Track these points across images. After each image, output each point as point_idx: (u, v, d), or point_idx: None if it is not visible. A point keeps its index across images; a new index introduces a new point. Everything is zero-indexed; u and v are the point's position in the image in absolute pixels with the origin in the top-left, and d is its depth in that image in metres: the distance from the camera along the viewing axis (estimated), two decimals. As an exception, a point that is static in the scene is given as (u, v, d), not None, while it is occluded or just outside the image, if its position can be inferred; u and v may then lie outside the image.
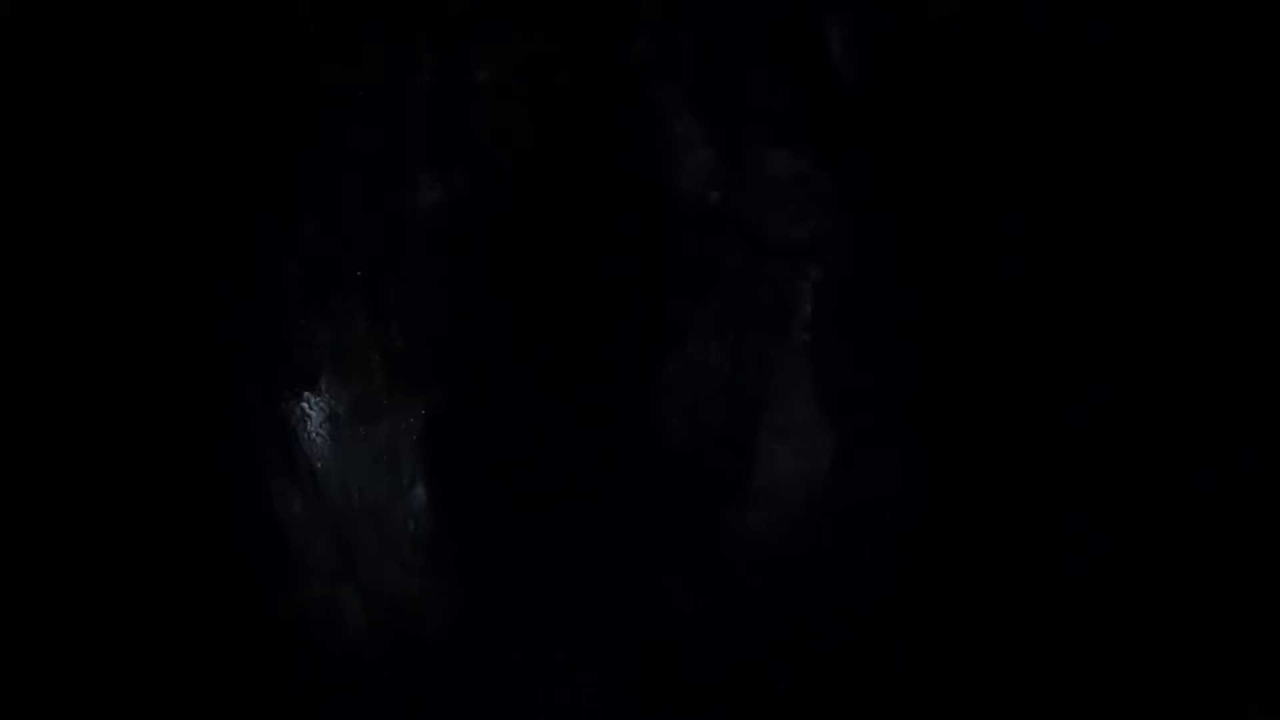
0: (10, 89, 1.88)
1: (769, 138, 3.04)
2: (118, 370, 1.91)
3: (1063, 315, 2.33)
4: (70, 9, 1.99)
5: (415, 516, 2.06)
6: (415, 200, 2.70)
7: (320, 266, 2.17)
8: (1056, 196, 2.26)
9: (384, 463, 1.98)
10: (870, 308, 2.59)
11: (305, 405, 2.02)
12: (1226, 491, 1.99)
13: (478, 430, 2.34)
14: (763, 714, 2.12)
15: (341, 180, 2.26)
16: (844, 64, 2.77)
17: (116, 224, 1.93)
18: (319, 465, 1.94)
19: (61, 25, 1.98)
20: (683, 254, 2.71)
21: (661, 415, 2.46)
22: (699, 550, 2.20)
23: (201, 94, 2.00)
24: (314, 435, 1.97)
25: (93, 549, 1.92)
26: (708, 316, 2.76)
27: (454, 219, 2.78)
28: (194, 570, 2.00)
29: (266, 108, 2.13)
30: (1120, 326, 2.21)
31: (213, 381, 2.04)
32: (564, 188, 2.90)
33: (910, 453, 2.28)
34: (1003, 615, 2.15)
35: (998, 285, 2.43)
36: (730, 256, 2.96)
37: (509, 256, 2.76)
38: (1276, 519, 1.88)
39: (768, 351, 2.57)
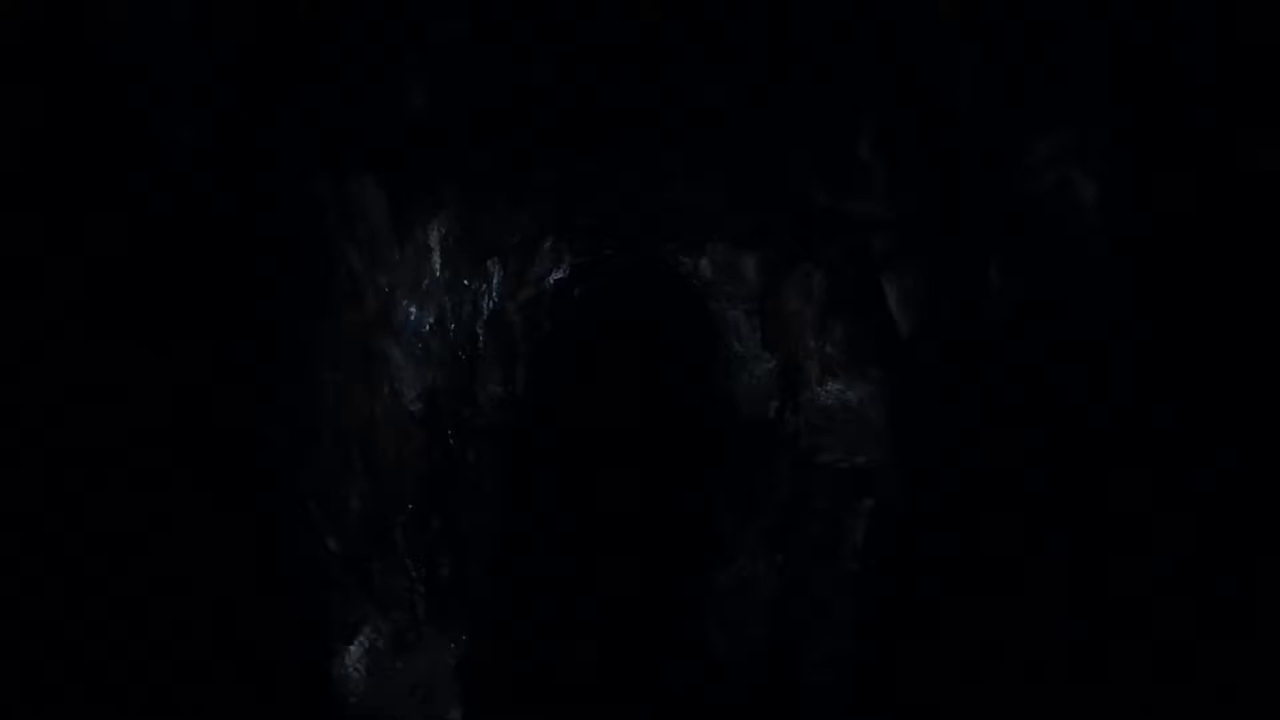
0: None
1: (824, 369, 3.13)
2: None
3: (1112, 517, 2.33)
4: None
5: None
6: (478, 404, 2.85)
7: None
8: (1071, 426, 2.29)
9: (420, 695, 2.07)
10: (920, 541, 2.63)
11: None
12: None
13: (524, 641, 2.45)
14: None
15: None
16: (900, 315, 2.86)
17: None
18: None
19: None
20: (736, 470, 2.81)
21: (706, 628, 2.53)
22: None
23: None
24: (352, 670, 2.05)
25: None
26: (756, 535, 2.84)
27: (515, 425, 2.93)
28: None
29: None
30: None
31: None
32: (622, 395, 3.03)
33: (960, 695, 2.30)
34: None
35: (1036, 526, 2.43)
36: (781, 479, 3.04)
37: (564, 465, 2.91)
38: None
39: (813, 576, 2.65)
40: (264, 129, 2.31)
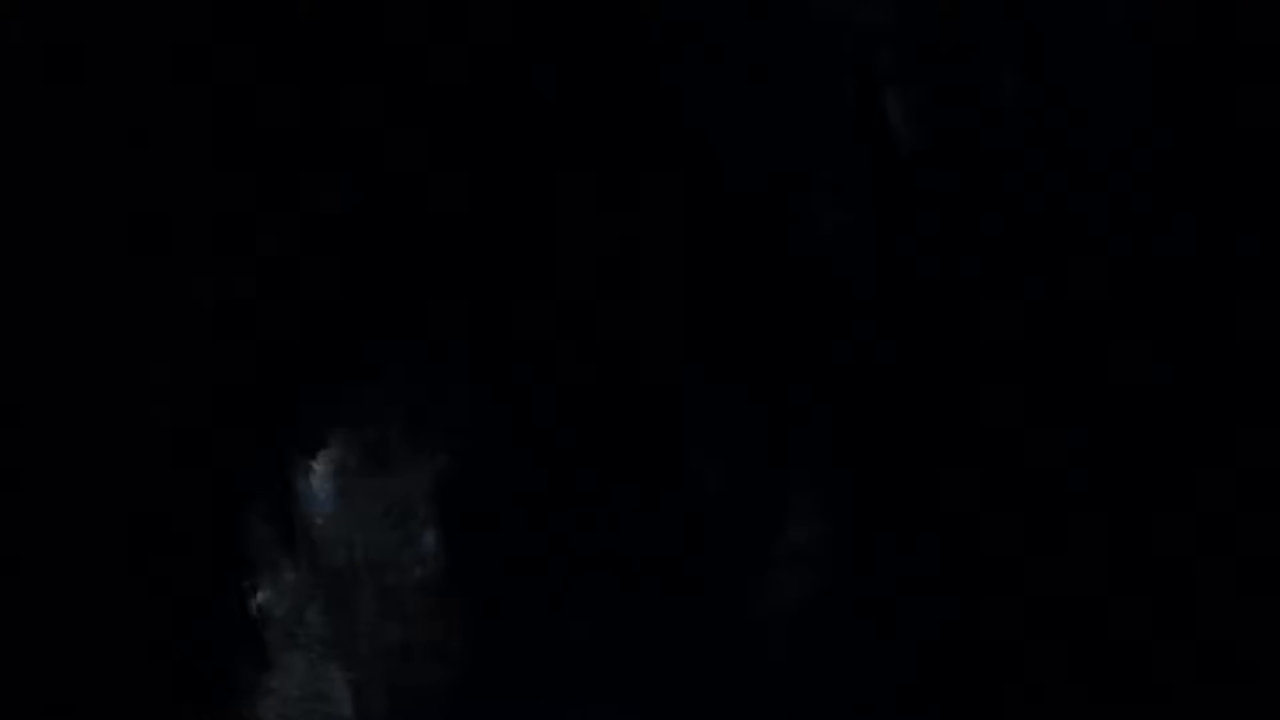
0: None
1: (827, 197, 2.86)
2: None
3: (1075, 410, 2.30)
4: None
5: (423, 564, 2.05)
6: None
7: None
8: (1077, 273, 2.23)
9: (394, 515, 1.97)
10: (917, 364, 2.51)
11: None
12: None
13: (502, 477, 2.29)
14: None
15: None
16: (902, 132, 2.71)
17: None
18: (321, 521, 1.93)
19: None
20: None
21: (698, 459, 2.41)
22: (712, 614, 2.15)
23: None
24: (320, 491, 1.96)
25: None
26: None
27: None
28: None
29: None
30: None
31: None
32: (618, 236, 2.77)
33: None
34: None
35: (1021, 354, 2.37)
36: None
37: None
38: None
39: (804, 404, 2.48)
40: None
